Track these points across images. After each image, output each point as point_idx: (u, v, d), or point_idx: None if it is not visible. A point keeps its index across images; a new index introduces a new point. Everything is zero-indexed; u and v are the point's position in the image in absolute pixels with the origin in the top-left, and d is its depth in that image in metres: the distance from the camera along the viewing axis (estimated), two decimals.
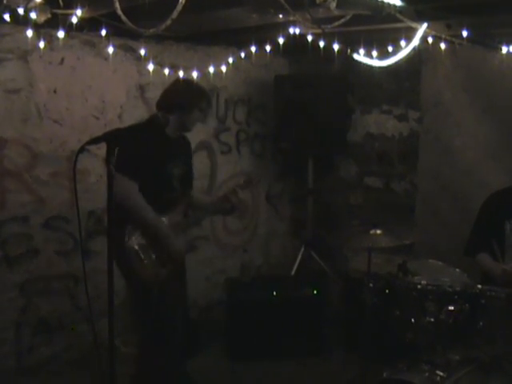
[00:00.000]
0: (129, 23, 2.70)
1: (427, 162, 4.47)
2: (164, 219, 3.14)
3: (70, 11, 2.81)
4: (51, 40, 3.60)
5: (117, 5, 2.57)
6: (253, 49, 3.76)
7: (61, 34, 3.04)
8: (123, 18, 2.65)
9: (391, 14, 2.87)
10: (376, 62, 3.52)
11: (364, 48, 3.54)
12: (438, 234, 4.32)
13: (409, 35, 3.17)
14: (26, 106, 3.66)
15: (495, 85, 3.99)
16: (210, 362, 4.12)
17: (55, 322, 3.91)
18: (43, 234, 3.81)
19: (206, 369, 3.92)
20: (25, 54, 3.60)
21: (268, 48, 3.72)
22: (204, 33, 4.04)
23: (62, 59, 3.78)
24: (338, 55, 3.43)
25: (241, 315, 4.21)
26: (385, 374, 2.83)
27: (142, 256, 3.04)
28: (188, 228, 3.48)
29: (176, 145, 3.30)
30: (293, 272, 4.74)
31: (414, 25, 3.04)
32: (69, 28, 2.96)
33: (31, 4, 2.73)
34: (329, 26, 3.10)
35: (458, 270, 3.13)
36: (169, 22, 2.66)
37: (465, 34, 3.04)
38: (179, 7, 2.56)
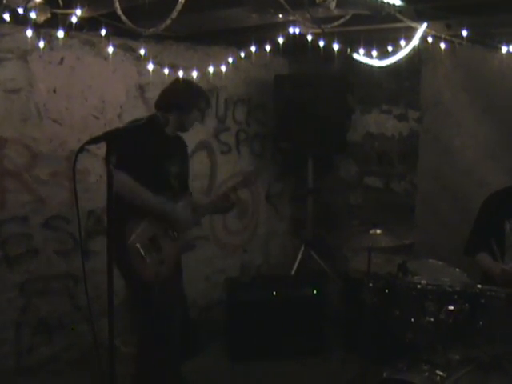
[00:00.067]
0: (128, 23, 2.70)
1: (427, 162, 4.47)
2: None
3: (69, 11, 2.82)
4: (51, 40, 3.60)
5: (117, 5, 2.58)
6: (253, 49, 3.76)
7: (60, 33, 3.05)
8: (123, 17, 2.66)
9: (391, 13, 2.87)
10: (376, 62, 3.52)
11: (364, 48, 3.54)
12: (438, 233, 4.32)
13: (409, 35, 3.17)
14: (25, 105, 3.66)
15: (495, 85, 3.99)
16: (210, 362, 4.11)
17: (55, 321, 3.91)
18: (43, 233, 3.81)
19: (205, 369, 3.92)
20: (24, 53, 3.60)
21: (268, 48, 3.72)
22: (204, 33, 4.04)
23: (62, 59, 3.78)
24: (337, 55, 3.43)
25: (241, 315, 4.21)
26: (385, 374, 2.83)
27: (143, 254, 3.03)
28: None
29: (174, 144, 3.31)
30: (293, 272, 4.73)
31: (413, 24, 3.04)
32: (68, 28, 2.97)
33: (31, 4, 2.73)
34: (328, 26, 3.10)
35: (457, 269, 3.12)
36: (168, 21, 2.66)
37: (465, 33, 3.05)
38: (179, 7, 2.56)
